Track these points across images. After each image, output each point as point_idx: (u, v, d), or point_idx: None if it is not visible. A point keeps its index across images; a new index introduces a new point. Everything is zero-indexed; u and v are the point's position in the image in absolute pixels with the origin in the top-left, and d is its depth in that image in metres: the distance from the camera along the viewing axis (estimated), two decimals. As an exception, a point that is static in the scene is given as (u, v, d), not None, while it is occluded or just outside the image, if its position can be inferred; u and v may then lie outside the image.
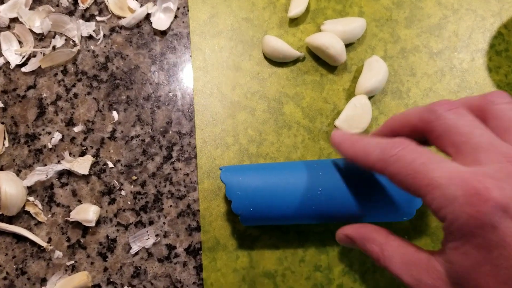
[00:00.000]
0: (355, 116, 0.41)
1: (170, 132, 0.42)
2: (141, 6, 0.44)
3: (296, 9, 0.44)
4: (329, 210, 0.35)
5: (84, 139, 0.41)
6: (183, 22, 0.44)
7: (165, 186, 0.40)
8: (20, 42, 0.43)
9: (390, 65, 0.44)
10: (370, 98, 0.43)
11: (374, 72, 0.42)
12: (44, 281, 0.38)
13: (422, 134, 0.28)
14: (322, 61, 0.44)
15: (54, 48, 0.43)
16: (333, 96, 0.43)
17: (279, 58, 0.43)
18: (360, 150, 0.28)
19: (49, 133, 0.41)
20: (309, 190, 0.34)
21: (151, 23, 0.44)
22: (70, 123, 0.41)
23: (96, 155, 0.41)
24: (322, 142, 0.42)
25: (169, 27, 0.44)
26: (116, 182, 0.40)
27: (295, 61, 0.44)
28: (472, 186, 0.22)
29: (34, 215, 0.39)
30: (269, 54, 0.43)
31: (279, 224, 0.38)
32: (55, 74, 0.42)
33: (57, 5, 0.44)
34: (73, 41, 0.43)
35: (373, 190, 0.35)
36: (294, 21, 0.45)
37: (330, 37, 0.42)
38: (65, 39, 0.43)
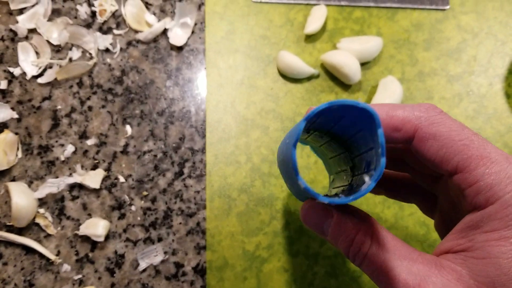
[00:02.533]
0: None
1: (183, 148, 0.42)
2: (159, 20, 0.44)
3: (312, 25, 0.44)
4: None
5: (97, 153, 0.41)
6: (199, 38, 0.45)
7: (175, 202, 0.40)
8: (37, 53, 0.44)
9: (407, 88, 0.44)
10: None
11: (389, 92, 0.42)
12: (51, 294, 0.38)
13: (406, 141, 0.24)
14: (337, 79, 0.44)
15: (70, 60, 0.43)
16: (348, 118, 0.43)
17: (293, 74, 0.43)
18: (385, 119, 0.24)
19: (62, 145, 0.41)
20: None
21: (168, 38, 0.44)
22: (83, 136, 0.41)
23: (108, 169, 0.41)
24: (335, 164, 0.42)
25: (186, 42, 0.44)
26: (127, 197, 0.40)
27: (310, 78, 0.44)
28: None
29: (44, 228, 0.39)
30: (283, 70, 0.43)
31: None
32: (71, 86, 0.43)
33: (75, 17, 0.45)
34: (90, 54, 0.44)
35: None
36: (311, 40, 0.45)
37: (345, 55, 0.42)
38: (82, 51, 0.44)
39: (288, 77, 0.44)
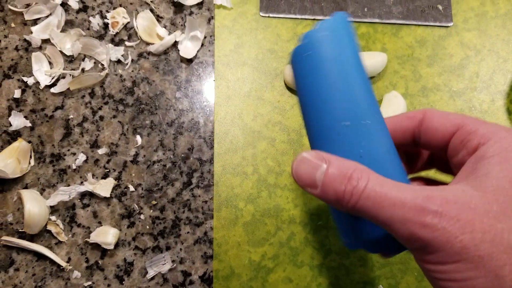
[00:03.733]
0: None
1: (191, 158, 0.43)
2: (170, 34, 0.46)
3: None
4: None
5: (108, 162, 0.42)
6: (209, 50, 0.46)
7: (183, 212, 0.41)
8: (50, 63, 0.45)
9: (410, 102, 0.45)
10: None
11: (393, 107, 0.44)
12: (61, 300, 0.39)
13: (418, 125, 0.28)
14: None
15: (83, 70, 0.45)
16: (353, 132, 0.44)
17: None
18: (401, 115, 0.30)
19: (74, 154, 0.42)
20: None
21: (178, 50, 0.45)
22: (94, 145, 0.43)
23: (118, 178, 0.42)
24: (340, 176, 0.43)
25: (195, 55, 0.46)
26: (136, 206, 0.41)
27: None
28: None
29: (55, 235, 0.40)
30: (289, 82, 0.44)
31: None
32: (83, 96, 0.44)
33: (88, 29, 0.46)
34: (102, 65, 0.45)
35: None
36: (318, 56, 0.46)
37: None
38: (94, 62, 0.45)
39: (295, 90, 0.45)
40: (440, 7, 0.48)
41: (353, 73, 0.26)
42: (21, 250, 0.40)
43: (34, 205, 0.39)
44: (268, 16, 0.47)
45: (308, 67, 0.26)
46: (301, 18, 0.47)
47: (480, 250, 0.20)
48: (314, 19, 0.47)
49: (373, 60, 0.45)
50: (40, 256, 0.40)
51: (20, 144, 0.41)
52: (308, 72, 0.26)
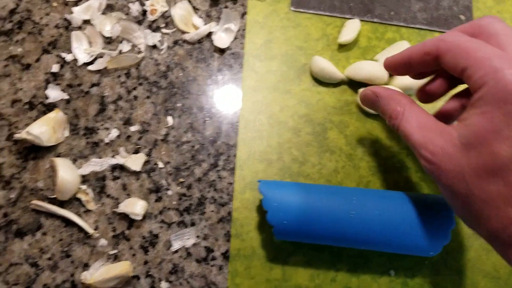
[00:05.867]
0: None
1: (219, 142, 0.45)
2: (205, 24, 0.49)
3: (346, 36, 0.49)
4: (359, 234, 0.38)
5: (139, 139, 0.44)
6: (240, 43, 0.49)
7: (209, 191, 0.43)
8: (89, 43, 0.48)
9: (432, 105, 0.48)
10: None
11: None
12: (86, 266, 0.41)
13: (435, 59, 0.33)
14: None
15: (120, 52, 0.47)
16: (376, 129, 0.47)
17: (326, 79, 0.48)
18: (418, 47, 0.35)
19: (107, 129, 0.45)
20: (342, 212, 0.38)
21: (212, 40, 0.48)
22: (127, 122, 0.45)
23: (148, 155, 0.44)
24: (362, 170, 0.45)
25: (228, 46, 0.48)
26: (164, 182, 0.43)
27: (340, 85, 0.48)
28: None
29: (84, 203, 0.42)
30: (316, 73, 0.48)
31: (310, 242, 0.41)
32: (119, 76, 0.46)
33: (127, 14, 0.49)
34: (138, 48, 0.48)
35: (403, 223, 0.38)
36: (345, 55, 0.49)
37: (375, 65, 0.46)
38: (131, 46, 0.48)
39: (321, 85, 0.48)
40: (462, 17, 0.51)
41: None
42: (50, 215, 0.42)
43: (67, 172, 0.41)
44: (299, 11, 0.50)
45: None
46: (330, 16, 0.50)
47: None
48: (342, 17, 0.50)
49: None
50: (68, 223, 0.42)
51: (56, 115, 0.43)
52: None
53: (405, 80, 0.46)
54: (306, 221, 0.38)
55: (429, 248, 0.39)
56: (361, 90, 0.42)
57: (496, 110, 0.27)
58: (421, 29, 0.51)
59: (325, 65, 0.47)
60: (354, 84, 0.48)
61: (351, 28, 0.50)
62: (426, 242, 0.38)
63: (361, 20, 0.51)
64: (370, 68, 0.47)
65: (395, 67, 0.38)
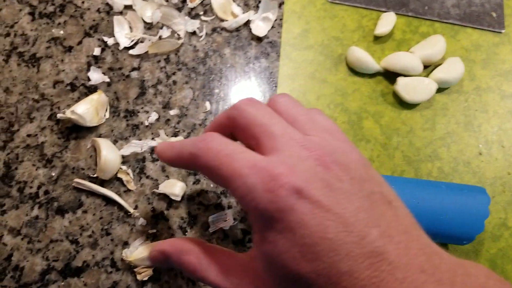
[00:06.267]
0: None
1: (255, 128, 0.46)
2: (244, 12, 0.50)
3: (382, 28, 0.50)
4: None
5: (178, 122, 0.45)
6: (278, 32, 0.50)
7: (245, 176, 0.44)
8: (130, 28, 0.49)
9: (465, 99, 0.49)
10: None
11: (451, 69, 0.49)
12: (126, 244, 0.41)
13: (231, 132, 0.30)
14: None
15: (160, 37, 0.48)
16: (411, 119, 0.47)
17: (362, 69, 0.48)
18: (176, 151, 0.30)
19: (147, 112, 0.45)
20: None
21: (250, 29, 0.49)
22: (166, 106, 0.46)
23: (187, 138, 0.45)
24: (396, 159, 0.46)
25: (266, 34, 0.49)
26: (203, 165, 0.44)
27: (376, 75, 0.48)
28: (268, 173, 0.24)
29: (125, 183, 0.43)
30: (352, 63, 0.48)
31: None
32: (158, 61, 0.47)
33: (167, 0, 0.50)
34: (178, 35, 0.49)
35: (440, 212, 0.39)
36: (380, 47, 0.50)
37: (410, 56, 0.47)
38: (171, 32, 0.49)
39: (357, 76, 0.49)
40: (494, 14, 0.52)
41: None
42: (90, 194, 0.43)
43: (110, 152, 0.42)
44: (335, 3, 0.51)
45: None
46: (366, 8, 0.51)
47: None
48: (378, 10, 0.51)
49: (435, 47, 0.48)
50: (108, 201, 0.42)
51: (99, 96, 0.44)
52: None
53: (441, 74, 0.47)
54: None
55: (464, 237, 0.39)
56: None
57: (272, 232, 0.24)
58: (454, 24, 0.52)
59: (362, 55, 0.48)
60: (389, 75, 0.49)
61: (387, 21, 0.50)
62: (461, 231, 0.39)
63: (396, 14, 0.52)
64: (407, 59, 0.47)
65: (167, 159, 0.33)
